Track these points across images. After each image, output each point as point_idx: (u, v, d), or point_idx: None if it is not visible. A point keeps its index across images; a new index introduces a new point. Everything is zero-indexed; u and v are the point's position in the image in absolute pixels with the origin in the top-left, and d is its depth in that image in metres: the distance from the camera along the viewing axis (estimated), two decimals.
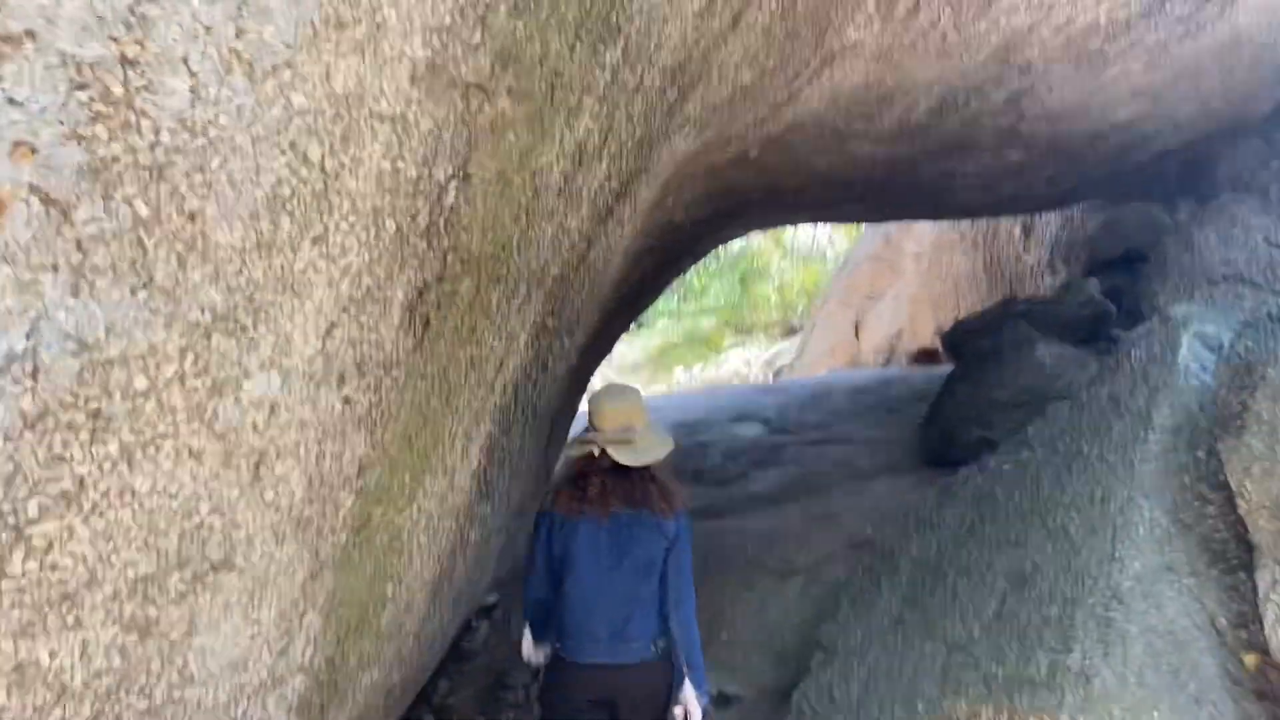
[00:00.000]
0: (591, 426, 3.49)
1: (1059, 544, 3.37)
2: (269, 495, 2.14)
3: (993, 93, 4.26)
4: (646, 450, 3.48)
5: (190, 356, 1.78)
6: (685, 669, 3.37)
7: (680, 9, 2.99)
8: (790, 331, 22.10)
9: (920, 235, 13.88)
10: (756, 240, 26.71)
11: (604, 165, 3.15)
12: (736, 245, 24.65)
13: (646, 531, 3.40)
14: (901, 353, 13.58)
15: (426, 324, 2.54)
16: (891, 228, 14.75)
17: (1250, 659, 2.92)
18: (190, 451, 1.85)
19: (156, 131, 1.59)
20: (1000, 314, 7.61)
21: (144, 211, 1.61)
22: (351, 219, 2.09)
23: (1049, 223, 11.71)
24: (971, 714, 3.21)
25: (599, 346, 6.14)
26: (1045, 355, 5.54)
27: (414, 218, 2.30)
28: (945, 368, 9.17)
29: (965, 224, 12.88)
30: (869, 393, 8.14)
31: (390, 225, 2.23)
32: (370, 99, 2.00)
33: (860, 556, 5.06)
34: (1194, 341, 3.79)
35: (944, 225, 13.29)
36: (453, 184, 2.40)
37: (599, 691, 3.41)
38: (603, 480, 3.42)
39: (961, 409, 5.80)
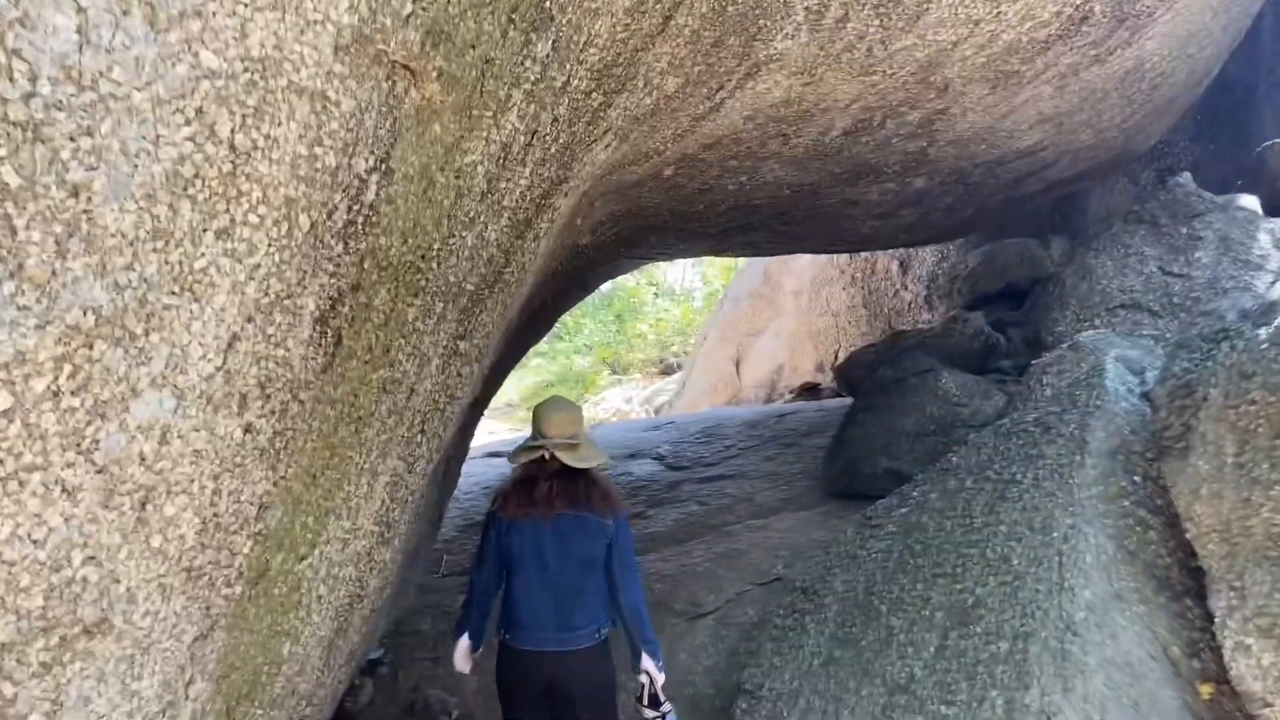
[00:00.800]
0: (537, 434, 3.87)
1: (1001, 575, 3.27)
2: (156, 541, 1.80)
3: (908, 114, 4.23)
4: (590, 455, 3.86)
5: (67, 369, 1.45)
6: (641, 644, 3.75)
7: (612, 3, 2.80)
8: (667, 370, 22.12)
9: (800, 271, 14.07)
10: (629, 279, 26.80)
11: (528, 171, 2.91)
12: (608, 284, 24.67)
13: (589, 530, 3.74)
14: (783, 388, 13.67)
15: (339, 340, 2.24)
16: (771, 265, 14.93)
17: (1205, 689, 2.86)
18: (63, 488, 1.51)
19: (33, 79, 1.27)
20: (892, 346, 7.66)
21: (13, 181, 1.29)
22: (262, 211, 1.79)
23: (924, 260, 12.02)
24: None
25: (493, 380, 5.84)
26: (950, 384, 5.55)
27: (330, 214, 2.01)
28: (832, 402, 9.22)
29: (844, 260, 13.12)
30: (761, 426, 8.07)
31: (304, 221, 1.93)
32: (289, 67, 1.72)
33: (779, 595, 4.89)
34: (1117, 365, 3.80)
35: (823, 261, 13.52)
36: (374, 178, 2.12)
37: (544, 678, 3.71)
38: (550, 483, 3.78)
39: (866, 440, 5.74)
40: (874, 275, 12.68)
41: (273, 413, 2.06)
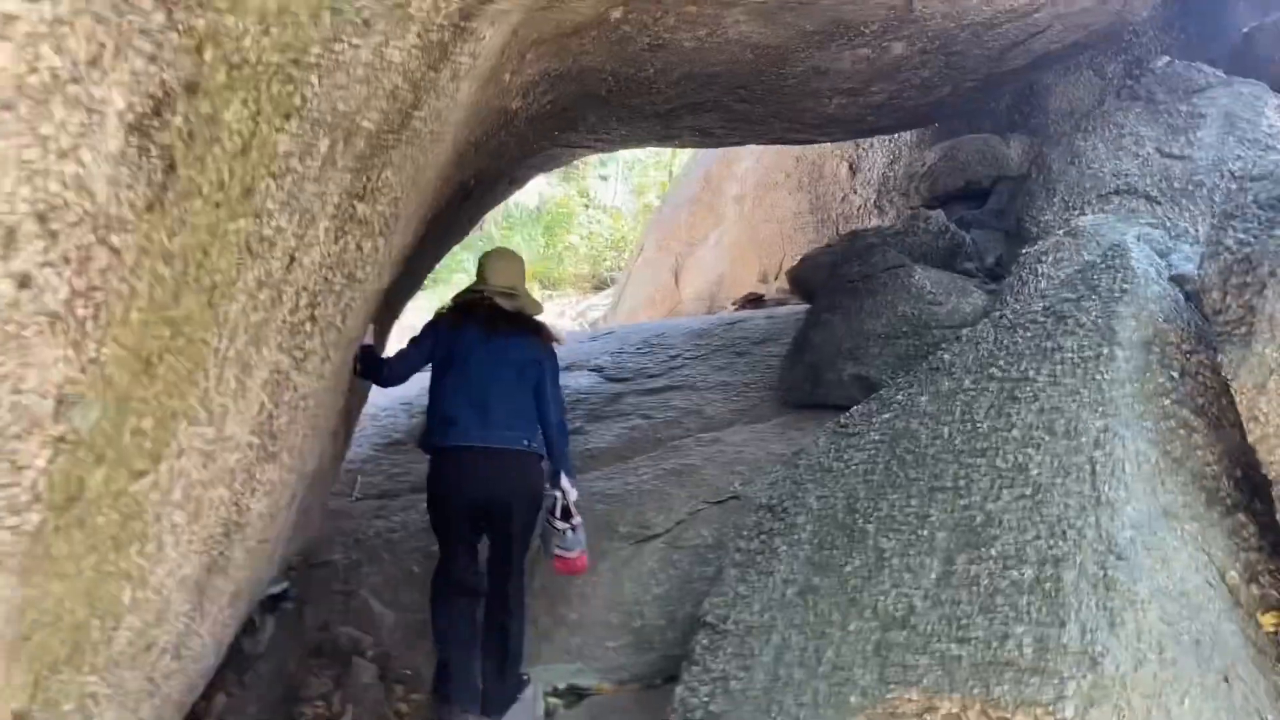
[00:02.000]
0: (480, 280, 4.24)
1: (1017, 488, 2.80)
2: None
3: None
4: (528, 307, 4.31)
5: None
6: (560, 461, 4.17)
7: None
8: (600, 285, 21.44)
9: (743, 176, 13.47)
10: (558, 190, 25.87)
11: None
12: (535, 196, 23.78)
13: (524, 345, 4.12)
14: (724, 299, 13.17)
15: (170, 166, 1.60)
16: (713, 168, 14.29)
17: (1268, 619, 2.44)
18: None
19: None
20: (850, 247, 7.17)
21: None
22: None
23: (875, 162, 11.51)
24: (927, 707, 2.59)
25: (409, 279, 5.18)
26: (925, 280, 5.06)
27: None
28: (783, 309, 8.72)
29: (790, 163, 12.55)
30: (709, 335, 7.54)
31: None
32: None
33: (739, 515, 4.41)
34: (1142, 246, 3.33)
35: (768, 164, 12.93)
36: None
37: (477, 483, 3.95)
38: (490, 310, 4.12)
39: (829, 344, 5.25)
40: (821, 179, 12.14)
41: (65, 261, 1.43)
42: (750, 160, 13.31)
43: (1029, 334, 3.31)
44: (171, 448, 1.95)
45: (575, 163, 25.56)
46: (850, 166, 11.88)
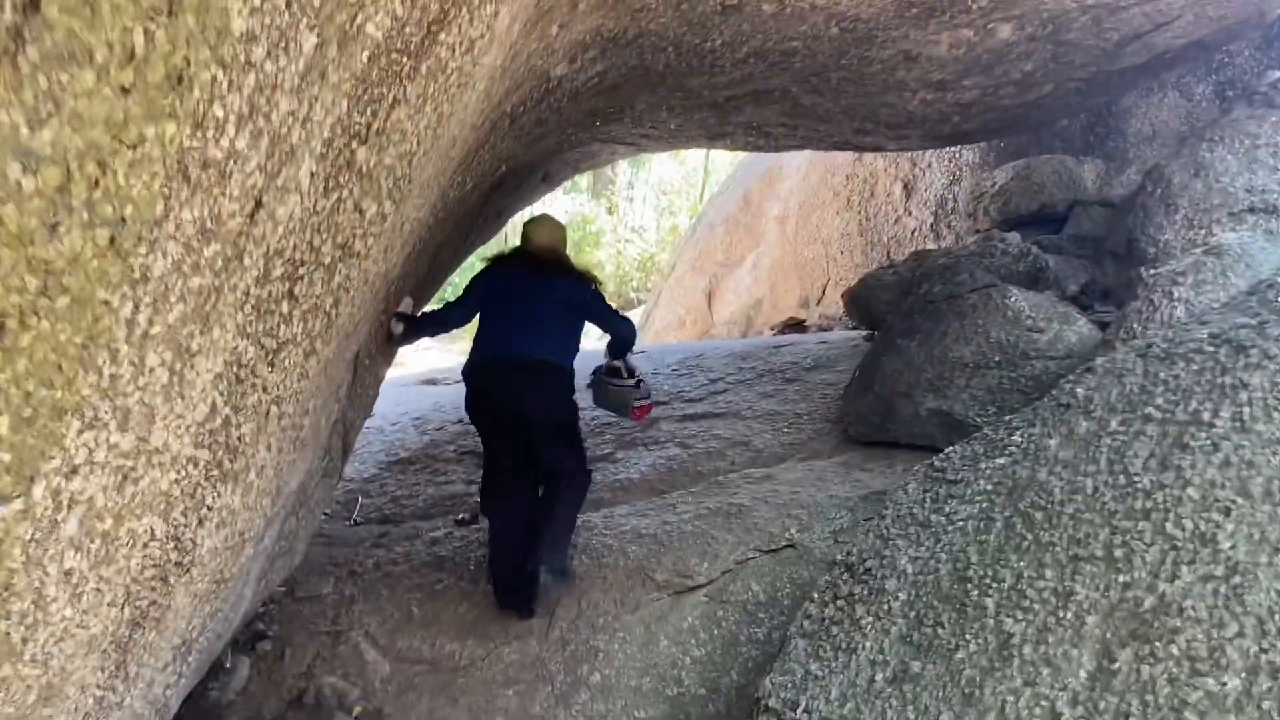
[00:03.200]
0: (523, 243, 4.53)
1: (1202, 565, 2.16)
2: None
3: None
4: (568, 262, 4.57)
5: None
6: (626, 353, 4.68)
7: None
8: (627, 305, 20.88)
9: (786, 195, 12.88)
10: (586, 209, 25.31)
11: None
12: (563, 214, 23.24)
13: (566, 284, 4.38)
14: (762, 325, 12.54)
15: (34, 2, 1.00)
16: (752, 187, 13.70)
17: None
18: None
19: None
20: (928, 265, 6.54)
21: None
22: None
23: (932, 182, 10.89)
24: None
25: (422, 277, 4.59)
26: (1023, 303, 4.42)
27: None
28: (834, 334, 8.07)
29: (839, 181, 11.96)
30: (753, 359, 6.91)
31: None
32: None
33: (794, 568, 3.77)
34: None
35: (815, 183, 12.34)
36: None
37: (511, 393, 4.24)
38: (533, 256, 4.44)
39: (905, 373, 4.61)
40: (873, 199, 11.53)
41: None
42: (795, 179, 12.73)
43: (1195, 367, 2.66)
44: (55, 462, 1.34)
45: (606, 179, 25.07)
46: (905, 186, 11.27)
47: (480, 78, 2.47)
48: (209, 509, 2.06)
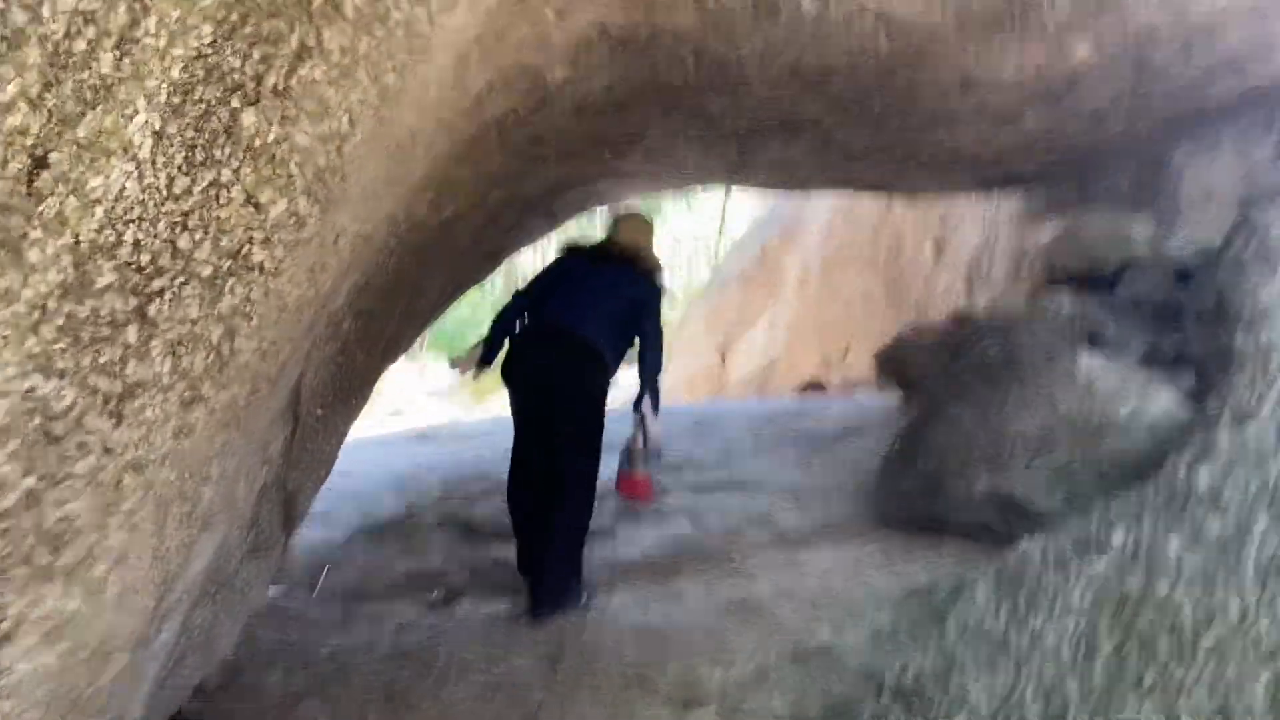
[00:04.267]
0: (609, 238, 4.59)
1: None
2: None
3: None
4: (647, 257, 4.55)
5: None
6: (648, 392, 4.38)
7: None
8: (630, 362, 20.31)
9: (807, 251, 12.35)
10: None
11: None
12: None
13: (629, 274, 4.39)
14: (777, 386, 11.94)
15: None
16: (771, 242, 13.20)
17: None
18: None
19: None
20: (962, 327, 5.96)
21: None
22: None
23: (965, 240, 10.35)
24: None
25: (410, 307, 4.03)
26: (1096, 370, 3.82)
27: None
28: (864, 397, 7.46)
29: (865, 238, 11.44)
30: (774, 422, 6.32)
31: None
32: None
33: (827, 679, 3.13)
34: None
35: (839, 240, 11.82)
36: None
37: (536, 354, 4.29)
38: (602, 247, 4.56)
39: (956, 447, 3.99)
40: (900, 257, 10.99)
41: None
42: (818, 235, 12.21)
43: None
44: None
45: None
46: (935, 245, 10.73)
47: (443, 47, 1.91)
48: (23, 620, 1.46)
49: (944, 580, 3.82)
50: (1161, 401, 3.76)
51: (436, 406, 15.79)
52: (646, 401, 4.34)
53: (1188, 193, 8.96)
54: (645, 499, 4.67)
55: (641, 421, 4.39)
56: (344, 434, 3.92)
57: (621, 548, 4.76)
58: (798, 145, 4.70)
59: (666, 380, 13.56)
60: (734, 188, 12.15)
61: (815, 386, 10.90)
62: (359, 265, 2.40)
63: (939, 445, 4.11)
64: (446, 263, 4.36)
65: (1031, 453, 3.84)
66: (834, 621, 3.65)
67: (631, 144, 4.53)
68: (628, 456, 4.47)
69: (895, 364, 5.94)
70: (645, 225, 4.68)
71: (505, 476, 4.62)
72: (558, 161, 4.25)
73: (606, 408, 4.35)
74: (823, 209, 12.19)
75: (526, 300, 4.42)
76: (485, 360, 4.43)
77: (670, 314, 20.59)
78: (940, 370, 4.61)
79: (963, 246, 10.42)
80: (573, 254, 4.53)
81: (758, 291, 13.08)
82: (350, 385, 3.57)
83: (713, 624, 3.78)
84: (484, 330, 4.48)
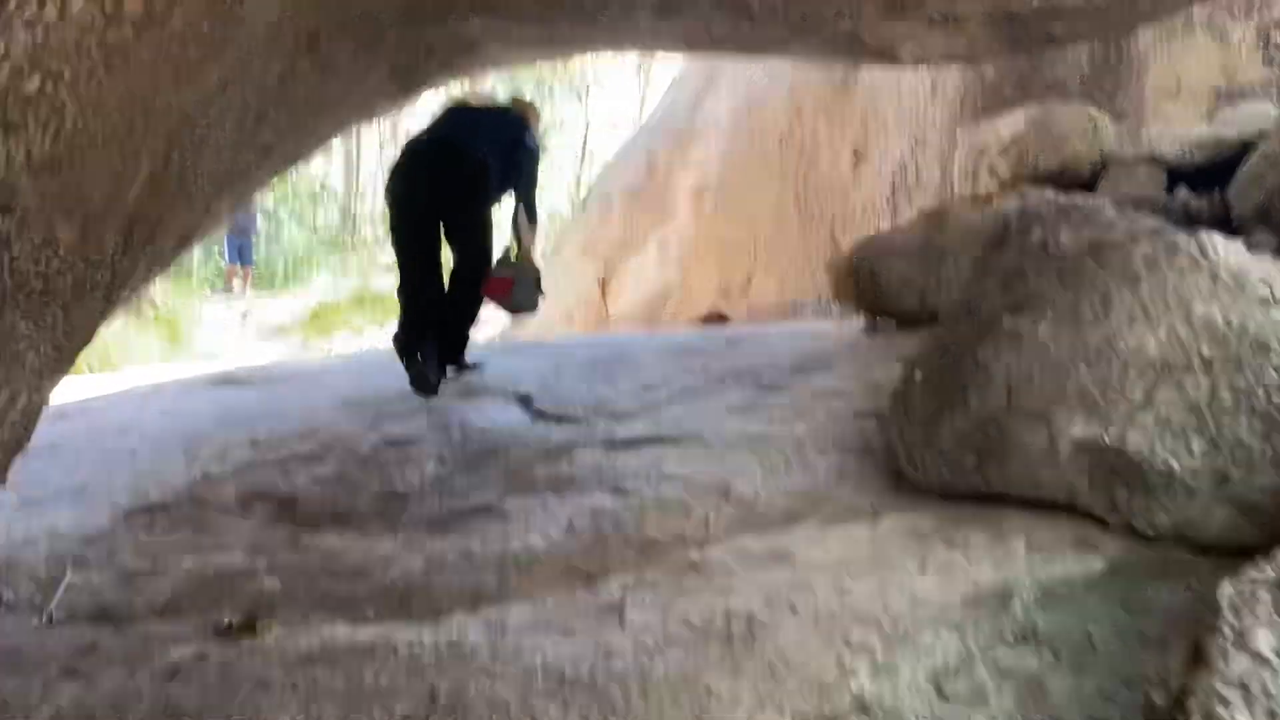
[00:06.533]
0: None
1: None
2: None
3: None
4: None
5: None
6: (524, 202, 5.18)
7: None
8: None
9: (703, 164, 11.02)
10: None
11: None
12: None
13: (510, 118, 5.36)
14: (670, 319, 10.64)
15: None
16: (659, 154, 11.80)
17: None
18: None
19: None
20: (939, 223, 4.74)
21: None
22: None
23: (889, 147, 9.20)
24: None
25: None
26: (1244, 261, 2.60)
27: None
28: (805, 326, 6.17)
29: (771, 147, 10.17)
30: (701, 355, 4.98)
31: None
32: None
33: None
34: None
35: (740, 149, 10.53)
36: None
37: (420, 170, 4.99)
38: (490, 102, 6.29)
39: (1034, 379, 2.71)
40: (815, 166, 9.77)
41: None
42: (716, 143, 10.87)
43: None
44: None
45: None
46: (855, 152, 9.54)
47: None
48: None
49: (1024, 580, 2.59)
50: None
51: (264, 350, 13.99)
52: (521, 211, 5.08)
53: (1156, 84, 7.97)
54: (503, 296, 5.13)
55: (516, 229, 5.12)
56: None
57: (515, 533, 3.35)
58: None
59: (539, 316, 12.06)
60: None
61: (717, 318, 9.64)
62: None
63: (999, 378, 2.82)
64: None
65: (1151, 383, 2.60)
66: (871, 654, 2.35)
67: None
68: (500, 262, 5.10)
69: (863, 275, 4.67)
70: (533, 108, 5.67)
71: (341, 429, 4.55)
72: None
73: (491, 219, 5.13)
74: (720, 112, 10.87)
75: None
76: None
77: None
78: (977, 269, 3.32)
79: (887, 154, 9.27)
80: (458, 104, 5.57)
81: (645, 210, 11.68)
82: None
83: (678, 665, 2.42)
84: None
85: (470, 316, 5.15)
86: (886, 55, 4.88)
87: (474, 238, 5.00)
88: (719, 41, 4.74)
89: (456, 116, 5.16)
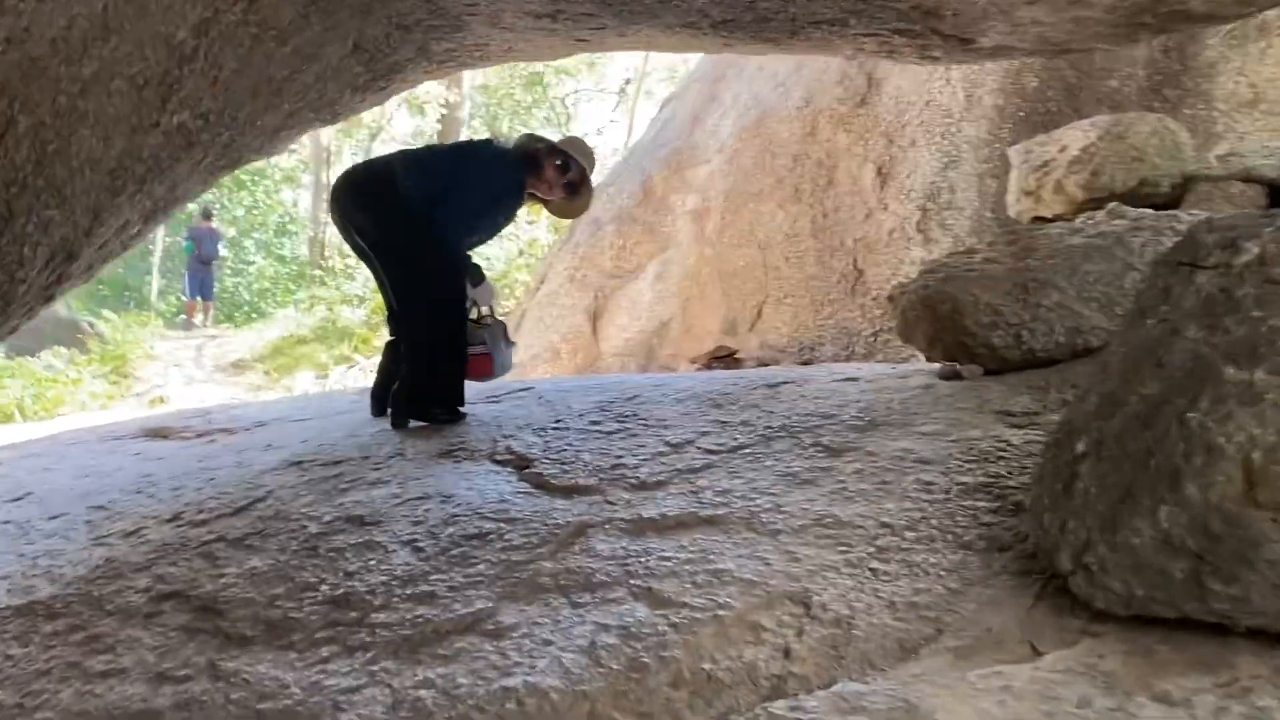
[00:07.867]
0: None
1: None
2: None
3: None
4: None
5: None
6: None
7: None
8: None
9: (705, 184, 10.20)
10: None
11: None
12: None
13: (489, 155, 4.90)
14: (670, 357, 9.78)
15: None
16: (654, 175, 10.98)
17: None
18: None
19: None
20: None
21: None
22: None
23: (918, 165, 8.41)
24: None
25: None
26: None
27: None
28: (858, 369, 5.32)
29: (783, 166, 9.38)
30: (734, 404, 4.13)
31: None
32: None
33: None
34: None
35: (746, 168, 9.72)
36: None
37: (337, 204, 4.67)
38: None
39: None
40: (832, 187, 8.97)
41: None
42: (718, 160, 10.06)
43: None
44: None
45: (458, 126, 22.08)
46: (879, 170, 8.76)
47: None
48: None
49: None
50: None
51: (216, 390, 13.05)
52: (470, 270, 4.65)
53: (1229, 92, 7.23)
54: (481, 375, 4.70)
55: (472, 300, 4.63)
56: None
57: (516, 661, 2.46)
58: None
59: (522, 353, 11.17)
60: None
61: (724, 357, 8.80)
62: None
63: (1229, 450, 1.98)
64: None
65: None
66: None
67: None
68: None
69: (940, 308, 3.84)
70: (585, 149, 4.83)
71: (286, 501, 3.71)
72: None
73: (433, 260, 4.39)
74: (724, 127, 10.08)
75: None
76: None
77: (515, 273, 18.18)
78: (1144, 299, 2.49)
79: (916, 173, 8.49)
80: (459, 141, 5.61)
81: (640, 235, 10.84)
82: None
83: None
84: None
85: (422, 369, 4.49)
86: (960, 42, 4.08)
87: (404, 277, 4.49)
88: (762, 19, 3.92)
89: (425, 148, 4.85)
